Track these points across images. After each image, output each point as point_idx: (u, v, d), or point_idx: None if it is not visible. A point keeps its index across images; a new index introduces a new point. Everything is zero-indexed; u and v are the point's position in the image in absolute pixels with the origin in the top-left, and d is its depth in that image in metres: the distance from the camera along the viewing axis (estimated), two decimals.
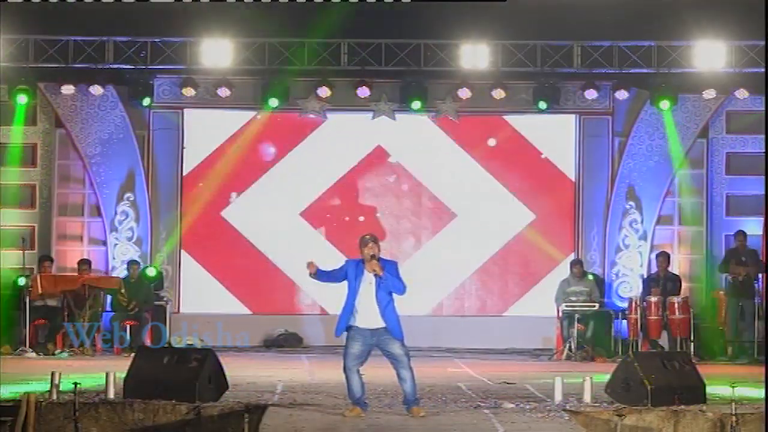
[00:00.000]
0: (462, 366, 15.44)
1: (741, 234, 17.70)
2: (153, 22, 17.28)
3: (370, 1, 15.97)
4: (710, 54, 17.70)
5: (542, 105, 18.29)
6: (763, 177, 16.75)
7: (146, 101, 18.28)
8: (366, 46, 17.86)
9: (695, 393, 10.92)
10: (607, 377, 11.25)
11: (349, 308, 10.34)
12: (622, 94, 18.38)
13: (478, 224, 18.94)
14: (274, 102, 18.27)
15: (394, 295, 10.41)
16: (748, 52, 17.65)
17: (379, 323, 10.33)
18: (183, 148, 18.79)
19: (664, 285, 17.47)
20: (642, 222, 18.73)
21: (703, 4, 16.99)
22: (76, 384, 9.91)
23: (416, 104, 18.34)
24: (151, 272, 18.11)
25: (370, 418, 10.28)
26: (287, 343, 18.48)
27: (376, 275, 10.25)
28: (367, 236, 10.45)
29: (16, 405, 10.00)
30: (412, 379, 10.40)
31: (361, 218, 18.93)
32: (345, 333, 10.44)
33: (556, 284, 17.88)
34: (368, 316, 10.31)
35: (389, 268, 10.35)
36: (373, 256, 10.29)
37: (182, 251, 18.81)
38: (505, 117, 18.95)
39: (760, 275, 17.42)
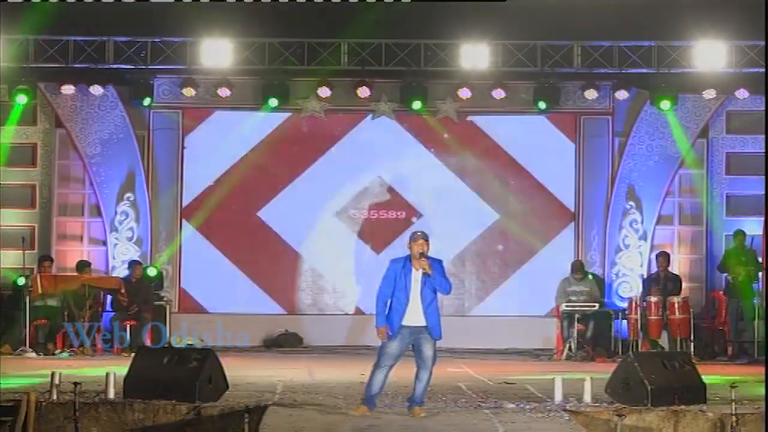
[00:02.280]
0: (462, 366, 15.43)
1: (740, 233, 17.69)
2: (153, 22, 17.29)
3: (370, 1, 15.98)
4: (710, 54, 17.71)
5: (542, 105, 18.29)
6: (764, 177, 16.76)
7: (146, 101, 18.28)
8: (366, 46, 17.86)
9: (695, 393, 10.92)
10: (607, 377, 11.24)
11: (401, 305, 10.25)
12: (622, 94, 18.38)
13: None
14: (274, 102, 18.27)
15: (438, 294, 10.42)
16: (748, 52, 17.65)
17: (421, 321, 10.32)
18: (183, 147, 18.79)
19: (664, 285, 17.47)
20: (642, 222, 18.73)
21: (703, 4, 17.00)
22: (76, 384, 9.92)
23: (416, 104, 18.35)
24: (152, 272, 18.11)
25: (370, 418, 10.27)
26: (287, 343, 18.48)
27: (424, 273, 10.22)
28: (419, 233, 10.36)
29: (16, 405, 10.00)
30: (428, 382, 10.41)
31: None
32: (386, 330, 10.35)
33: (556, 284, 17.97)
34: (412, 313, 10.29)
35: (435, 266, 10.30)
36: (422, 254, 10.22)
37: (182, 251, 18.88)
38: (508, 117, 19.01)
39: (759, 275, 17.42)
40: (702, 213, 18.85)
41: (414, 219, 18.89)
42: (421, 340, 10.35)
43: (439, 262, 10.41)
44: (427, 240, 10.30)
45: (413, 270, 10.28)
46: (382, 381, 10.41)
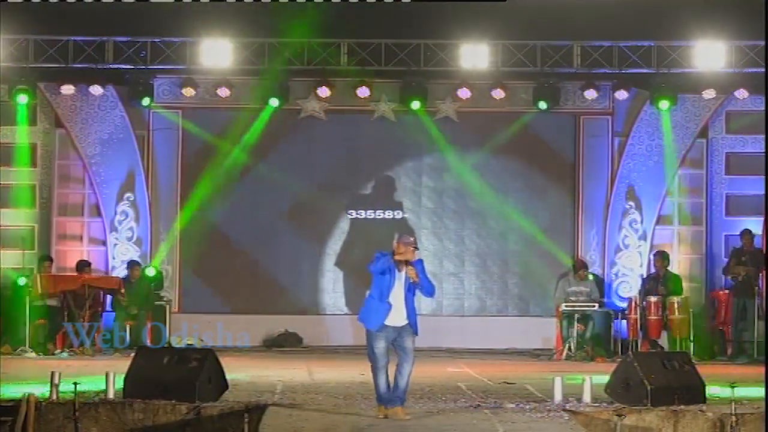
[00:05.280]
0: (462, 366, 15.44)
1: (746, 233, 17.68)
2: (153, 22, 17.28)
3: (370, 1, 15.98)
4: (710, 54, 17.70)
5: (542, 105, 18.29)
6: (764, 177, 16.76)
7: (146, 101, 18.27)
8: (366, 46, 17.85)
9: (695, 393, 10.92)
10: (607, 377, 11.25)
11: (384, 305, 10.30)
12: (622, 94, 18.38)
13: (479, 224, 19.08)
14: (274, 102, 18.27)
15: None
16: (748, 52, 17.65)
17: (403, 321, 10.38)
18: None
19: (664, 284, 17.45)
20: (642, 222, 18.73)
21: (703, 4, 17.00)
22: (76, 384, 9.92)
23: (415, 104, 18.35)
24: (151, 272, 18.11)
25: (370, 418, 10.28)
26: (287, 343, 18.49)
27: (412, 282, 10.28)
28: (411, 239, 10.45)
29: (16, 405, 10.01)
30: (409, 376, 10.40)
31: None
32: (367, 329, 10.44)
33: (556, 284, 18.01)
34: (396, 313, 10.35)
35: (418, 268, 10.34)
36: (407, 262, 10.26)
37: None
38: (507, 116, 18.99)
39: (760, 275, 17.42)
40: (702, 213, 18.85)
41: (414, 219, 18.92)
42: (404, 334, 10.39)
43: (419, 261, 10.46)
44: (416, 248, 10.39)
45: (397, 271, 10.33)
46: (387, 380, 10.41)
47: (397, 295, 10.35)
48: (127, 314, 17.22)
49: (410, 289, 10.37)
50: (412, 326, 10.42)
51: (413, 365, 10.42)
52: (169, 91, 18.67)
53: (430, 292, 10.48)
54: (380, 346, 10.38)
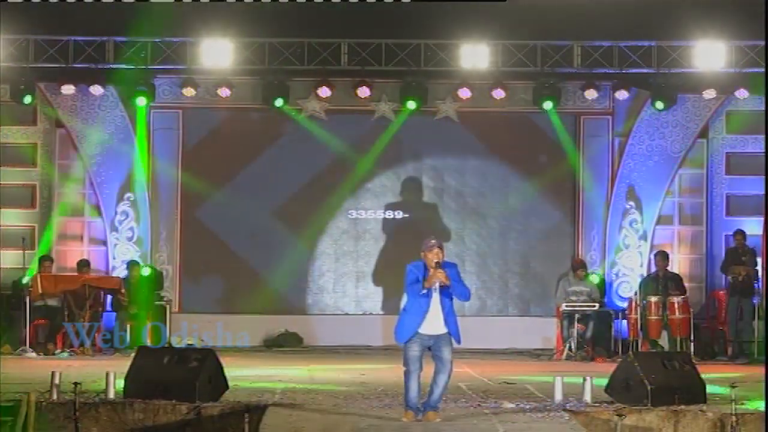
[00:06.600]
0: (462, 366, 15.40)
1: (740, 233, 17.69)
2: (153, 22, 17.27)
3: (370, 1, 15.99)
4: (710, 54, 17.70)
5: (548, 105, 18.27)
6: (764, 177, 16.76)
7: (141, 101, 18.23)
8: (366, 46, 17.85)
9: (695, 393, 10.92)
10: (607, 377, 11.25)
11: (418, 314, 9.99)
12: (622, 94, 18.39)
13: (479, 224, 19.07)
14: (279, 102, 18.28)
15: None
16: (748, 52, 17.65)
17: (442, 329, 10.04)
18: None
19: (664, 284, 17.45)
20: (642, 222, 18.73)
21: (703, 4, 17.00)
22: (76, 384, 9.92)
23: (411, 104, 18.33)
24: (146, 272, 18.09)
25: (370, 418, 10.27)
26: (287, 343, 18.49)
27: (441, 285, 9.93)
28: (433, 241, 10.05)
29: (16, 405, 10.01)
30: (445, 387, 10.15)
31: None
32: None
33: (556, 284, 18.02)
34: (432, 322, 10.00)
35: (451, 271, 9.99)
36: (437, 263, 9.92)
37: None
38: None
39: (759, 275, 17.42)
40: (702, 213, 18.86)
41: (413, 218, 18.91)
42: (441, 343, 10.06)
43: (454, 266, 10.13)
44: (442, 248, 10.01)
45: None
46: (418, 385, 10.13)
47: (433, 303, 10.01)
48: (127, 314, 17.22)
49: (445, 294, 10.01)
50: (453, 335, 10.08)
51: (450, 376, 10.13)
52: (169, 91, 18.67)
53: (464, 295, 10.07)
54: (413, 349, 10.02)
